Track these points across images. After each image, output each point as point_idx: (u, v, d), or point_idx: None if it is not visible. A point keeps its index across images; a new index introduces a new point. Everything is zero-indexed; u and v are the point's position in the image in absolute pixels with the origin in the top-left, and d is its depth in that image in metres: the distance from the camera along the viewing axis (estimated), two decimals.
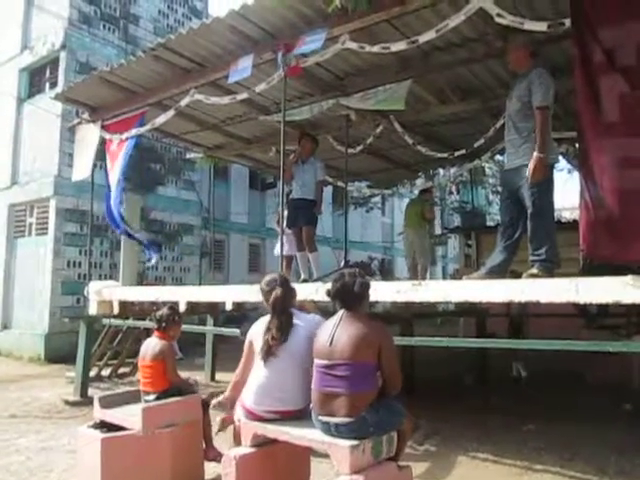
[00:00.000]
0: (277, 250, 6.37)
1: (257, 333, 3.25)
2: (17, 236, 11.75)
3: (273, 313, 3.19)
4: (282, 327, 3.13)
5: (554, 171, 4.23)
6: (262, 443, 3.03)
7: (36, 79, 12.04)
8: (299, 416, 3.04)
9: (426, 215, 8.74)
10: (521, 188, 4.05)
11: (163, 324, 4.29)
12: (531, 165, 3.86)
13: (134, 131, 6.65)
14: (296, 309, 3.34)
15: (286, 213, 6.39)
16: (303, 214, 6.39)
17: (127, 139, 6.74)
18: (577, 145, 4.69)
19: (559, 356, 4.73)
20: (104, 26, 11.72)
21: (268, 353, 3.09)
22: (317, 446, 2.83)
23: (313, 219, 6.48)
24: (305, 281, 5.89)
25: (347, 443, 2.64)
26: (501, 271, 4.16)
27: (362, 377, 2.76)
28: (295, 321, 3.19)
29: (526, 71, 4.12)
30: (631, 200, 3.38)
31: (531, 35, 4.15)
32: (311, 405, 2.93)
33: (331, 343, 2.83)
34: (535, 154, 3.85)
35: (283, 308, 3.21)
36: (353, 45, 4.71)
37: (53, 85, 11.24)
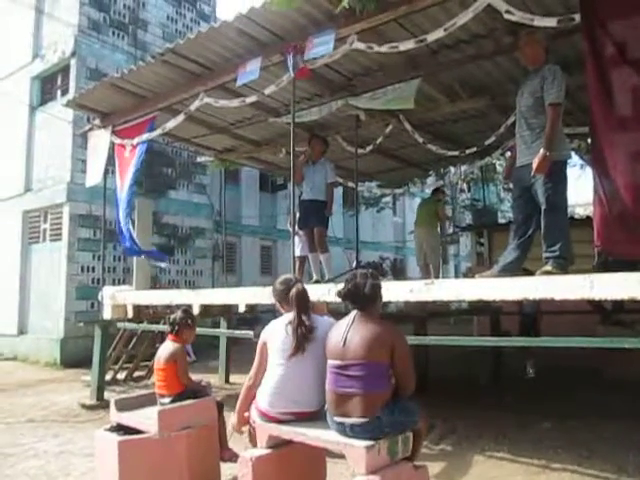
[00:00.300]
0: (297, 250, 6.45)
1: (272, 334, 3.21)
2: (32, 242, 11.87)
3: (299, 308, 3.15)
4: (311, 321, 3.13)
5: (567, 167, 4.19)
6: (278, 444, 3.04)
7: (48, 86, 12.18)
8: (314, 417, 3.03)
9: (440, 214, 8.75)
10: (535, 184, 4.01)
11: (176, 327, 4.32)
12: (536, 160, 3.82)
13: (145, 136, 6.69)
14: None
15: (297, 215, 6.40)
16: (314, 215, 6.40)
17: (138, 144, 6.78)
18: (589, 140, 4.64)
19: (575, 353, 4.68)
20: (113, 32, 11.82)
21: (298, 348, 3.04)
22: (333, 447, 2.83)
23: (324, 220, 6.49)
24: (317, 282, 5.89)
25: (363, 443, 2.64)
26: (514, 269, 4.12)
27: (376, 377, 2.76)
28: (313, 321, 3.18)
29: (538, 67, 4.09)
30: None
31: (544, 30, 4.12)
32: (326, 406, 2.93)
33: (344, 344, 2.82)
34: (541, 151, 3.82)
35: (307, 303, 3.22)
36: (361, 45, 4.71)
37: (64, 92, 11.35)
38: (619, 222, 3.44)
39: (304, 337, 3.06)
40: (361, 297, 2.94)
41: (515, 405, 6.08)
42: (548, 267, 3.83)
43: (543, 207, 3.94)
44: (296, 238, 6.14)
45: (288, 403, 3.04)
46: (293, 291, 3.22)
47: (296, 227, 6.18)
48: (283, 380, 3.07)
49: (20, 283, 11.78)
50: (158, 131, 6.60)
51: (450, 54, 5.59)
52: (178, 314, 4.38)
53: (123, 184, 7.01)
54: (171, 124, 6.38)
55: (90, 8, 11.38)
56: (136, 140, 6.74)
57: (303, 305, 3.17)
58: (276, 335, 3.17)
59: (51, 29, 11.85)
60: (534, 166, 3.84)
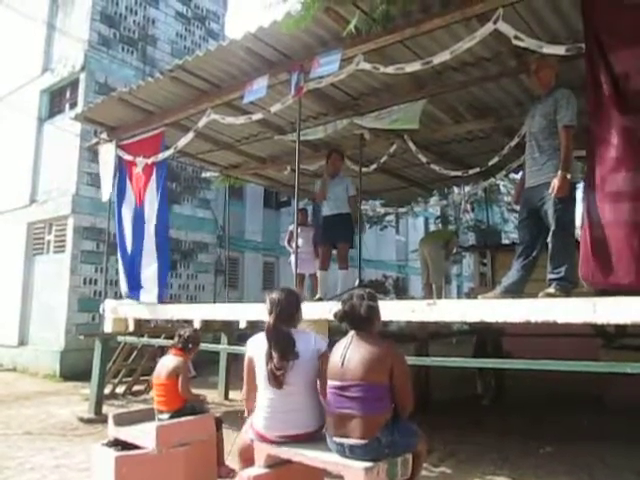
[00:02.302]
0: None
1: (257, 350, 3.12)
2: (35, 253, 11.91)
3: (269, 340, 3.02)
4: (285, 353, 2.96)
5: (576, 190, 4.19)
6: (276, 464, 3.02)
7: (56, 100, 12.31)
8: (312, 438, 2.99)
9: (449, 246, 8.86)
10: (544, 205, 4.01)
11: (190, 345, 4.34)
12: (557, 182, 3.81)
13: (160, 156, 6.65)
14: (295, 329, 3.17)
15: (299, 231, 6.40)
16: (342, 229, 6.35)
17: (154, 164, 6.74)
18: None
19: (577, 377, 4.65)
20: (123, 48, 11.97)
21: (276, 382, 2.95)
22: (331, 468, 2.81)
23: (350, 236, 6.46)
24: (320, 300, 5.88)
25: (361, 465, 2.62)
26: (517, 290, 4.11)
27: (375, 398, 2.74)
28: (296, 341, 3.04)
29: (550, 90, 4.13)
30: (631, 230, 3.36)
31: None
32: (325, 427, 2.91)
33: (343, 364, 2.81)
34: (560, 172, 3.81)
35: (278, 332, 3.04)
36: (367, 66, 4.76)
37: (73, 105, 11.46)
38: (601, 254, 3.45)
39: (275, 375, 2.93)
40: (357, 318, 2.92)
41: (516, 428, 6.02)
42: (551, 289, 3.81)
43: (552, 228, 3.92)
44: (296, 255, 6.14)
45: (284, 426, 2.98)
46: (273, 295, 3.11)
47: (299, 243, 6.18)
48: (274, 404, 3.00)
49: (22, 294, 11.79)
50: (171, 150, 6.61)
51: (455, 76, 5.63)
52: (190, 331, 4.41)
53: (142, 201, 6.93)
54: (182, 142, 6.40)
55: (101, 24, 11.55)
56: (152, 159, 6.70)
57: (274, 338, 3.01)
58: (261, 355, 3.07)
59: (62, 44, 12.01)
60: (555, 187, 3.81)
